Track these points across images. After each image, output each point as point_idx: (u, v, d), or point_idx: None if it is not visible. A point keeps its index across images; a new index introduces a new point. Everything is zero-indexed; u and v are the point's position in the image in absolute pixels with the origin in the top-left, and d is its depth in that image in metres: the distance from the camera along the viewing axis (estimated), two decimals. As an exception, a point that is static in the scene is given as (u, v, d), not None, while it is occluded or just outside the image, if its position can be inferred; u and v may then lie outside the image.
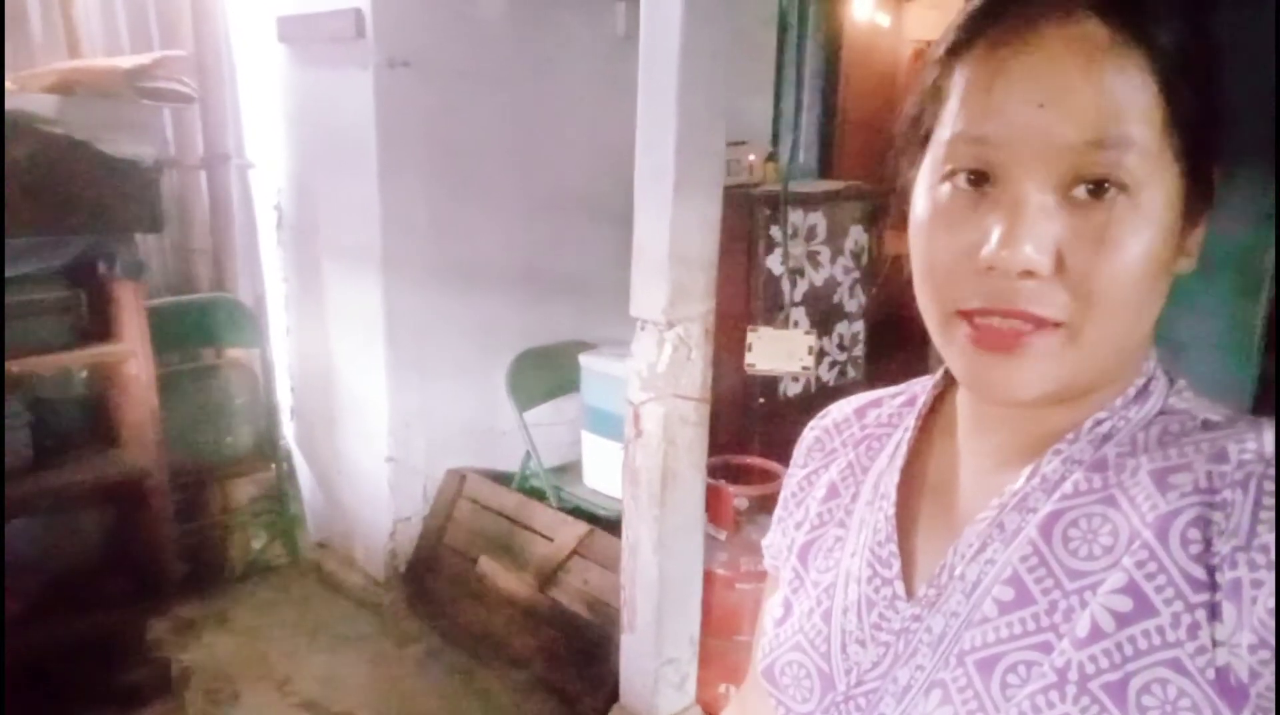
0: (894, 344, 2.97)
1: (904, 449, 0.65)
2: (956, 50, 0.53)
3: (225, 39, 2.98)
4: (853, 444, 0.70)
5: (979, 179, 0.51)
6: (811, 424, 0.74)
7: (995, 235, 0.49)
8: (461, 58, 2.75)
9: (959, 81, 0.52)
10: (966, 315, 0.51)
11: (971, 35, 0.52)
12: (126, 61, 2.37)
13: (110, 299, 2.36)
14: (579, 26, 2.94)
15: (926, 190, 0.54)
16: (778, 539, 0.73)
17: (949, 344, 0.54)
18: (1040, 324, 0.50)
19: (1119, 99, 0.48)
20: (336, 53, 2.70)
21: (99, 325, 2.38)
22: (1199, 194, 0.52)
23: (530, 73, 2.87)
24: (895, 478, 0.64)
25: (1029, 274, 0.49)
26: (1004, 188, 0.50)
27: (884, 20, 4.43)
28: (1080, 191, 0.49)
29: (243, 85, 3.06)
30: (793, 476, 0.73)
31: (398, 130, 2.68)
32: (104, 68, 2.35)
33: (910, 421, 0.66)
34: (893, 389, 0.71)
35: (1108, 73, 0.48)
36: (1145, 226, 0.50)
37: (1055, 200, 0.49)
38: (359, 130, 2.68)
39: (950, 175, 0.52)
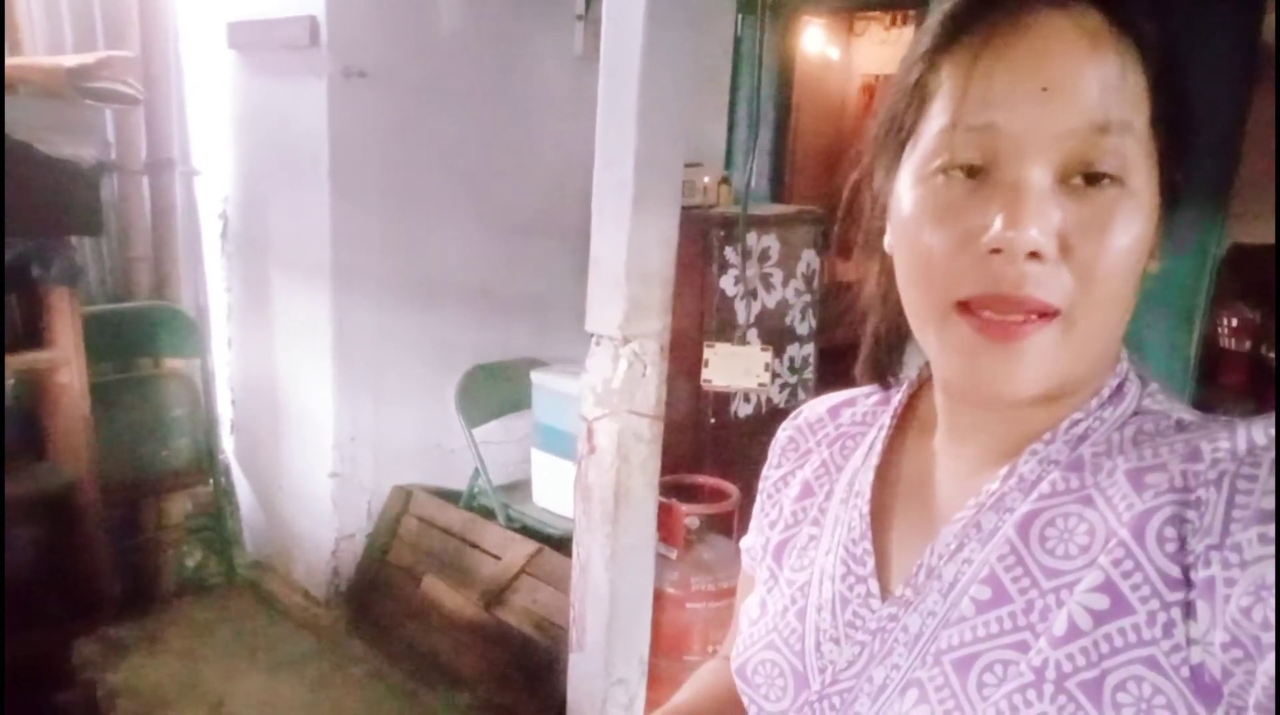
0: (844, 369, 3.00)
1: (879, 447, 0.65)
2: (942, 46, 0.53)
3: (174, 42, 2.90)
4: (827, 443, 0.70)
5: (973, 170, 0.51)
6: (784, 424, 0.74)
7: (999, 219, 0.49)
8: (418, 70, 2.72)
9: (950, 74, 0.52)
10: (966, 306, 0.51)
11: (957, 30, 0.52)
12: (69, 60, 2.30)
13: (43, 304, 2.27)
14: (537, 44, 2.94)
15: (914, 184, 0.54)
16: (754, 540, 0.72)
17: (944, 340, 0.53)
18: (1041, 313, 0.50)
19: (1119, 84, 0.49)
20: (290, 61, 2.66)
21: (30, 331, 2.29)
22: (1166, 196, 0.53)
23: (487, 88, 2.86)
24: (870, 476, 0.64)
25: (1035, 256, 0.49)
26: (1004, 174, 0.50)
27: (834, 54, 4.56)
28: (1078, 179, 0.50)
29: (190, 90, 2.99)
30: (767, 477, 0.73)
31: (351, 141, 2.65)
32: (46, 66, 2.29)
33: (885, 420, 0.66)
34: (866, 388, 0.71)
35: (1109, 57, 0.49)
36: (1138, 214, 0.50)
37: (1054, 185, 0.50)
38: (311, 140, 2.64)
39: (944, 168, 0.52)
